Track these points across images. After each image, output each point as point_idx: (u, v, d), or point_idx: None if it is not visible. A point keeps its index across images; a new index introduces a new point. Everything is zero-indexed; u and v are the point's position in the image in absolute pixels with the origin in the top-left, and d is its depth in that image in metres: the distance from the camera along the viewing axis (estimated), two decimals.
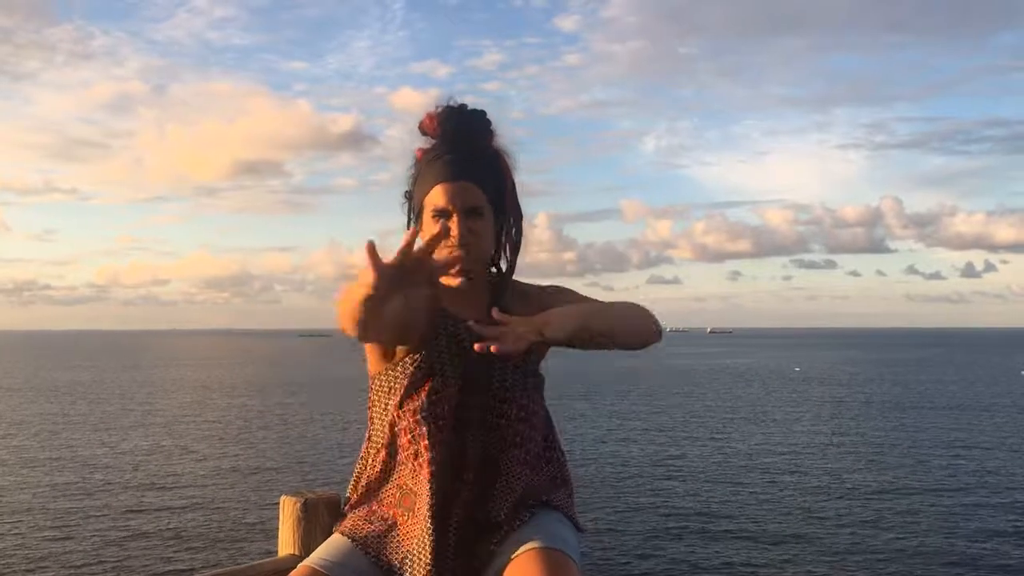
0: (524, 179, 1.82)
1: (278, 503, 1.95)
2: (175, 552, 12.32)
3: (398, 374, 1.70)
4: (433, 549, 1.60)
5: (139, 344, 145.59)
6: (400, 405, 1.68)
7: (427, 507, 1.62)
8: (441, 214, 1.66)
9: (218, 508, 14.98)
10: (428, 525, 1.61)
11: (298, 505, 1.90)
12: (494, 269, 1.79)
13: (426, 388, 1.67)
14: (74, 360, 78.48)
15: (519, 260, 1.80)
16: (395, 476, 1.72)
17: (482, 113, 1.75)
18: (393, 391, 1.70)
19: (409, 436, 1.67)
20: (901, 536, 13.05)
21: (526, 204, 1.79)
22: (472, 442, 1.68)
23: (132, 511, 14.76)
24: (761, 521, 13.94)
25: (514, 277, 1.81)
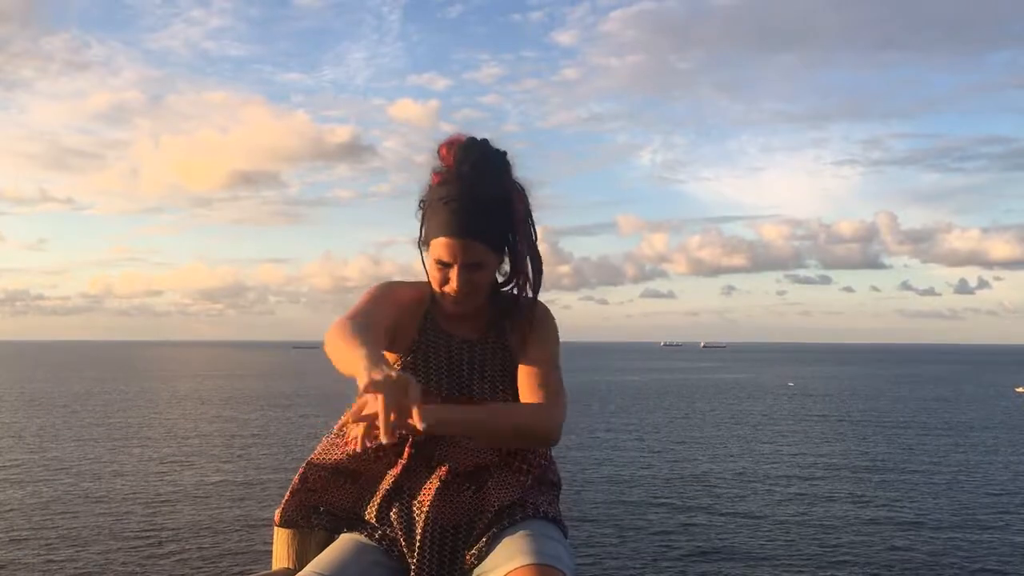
0: None
1: (273, 516, 1.95)
2: (169, 566, 12.25)
3: None
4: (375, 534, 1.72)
5: (132, 355, 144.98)
6: None
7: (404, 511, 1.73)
8: (443, 264, 1.70)
9: (212, 521, 14.90)
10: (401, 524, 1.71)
11: None
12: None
13: None
14: (66, 371, 78.12)
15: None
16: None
17: (502, 155, 1.73)
18: None
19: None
20: (900, 555, 13.03)
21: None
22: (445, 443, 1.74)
23: (125, 525, 14.67)
24: (756, 539, 13.92)
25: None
